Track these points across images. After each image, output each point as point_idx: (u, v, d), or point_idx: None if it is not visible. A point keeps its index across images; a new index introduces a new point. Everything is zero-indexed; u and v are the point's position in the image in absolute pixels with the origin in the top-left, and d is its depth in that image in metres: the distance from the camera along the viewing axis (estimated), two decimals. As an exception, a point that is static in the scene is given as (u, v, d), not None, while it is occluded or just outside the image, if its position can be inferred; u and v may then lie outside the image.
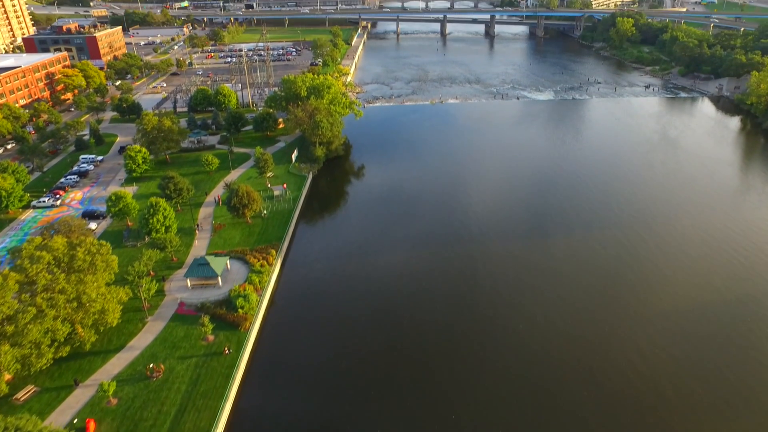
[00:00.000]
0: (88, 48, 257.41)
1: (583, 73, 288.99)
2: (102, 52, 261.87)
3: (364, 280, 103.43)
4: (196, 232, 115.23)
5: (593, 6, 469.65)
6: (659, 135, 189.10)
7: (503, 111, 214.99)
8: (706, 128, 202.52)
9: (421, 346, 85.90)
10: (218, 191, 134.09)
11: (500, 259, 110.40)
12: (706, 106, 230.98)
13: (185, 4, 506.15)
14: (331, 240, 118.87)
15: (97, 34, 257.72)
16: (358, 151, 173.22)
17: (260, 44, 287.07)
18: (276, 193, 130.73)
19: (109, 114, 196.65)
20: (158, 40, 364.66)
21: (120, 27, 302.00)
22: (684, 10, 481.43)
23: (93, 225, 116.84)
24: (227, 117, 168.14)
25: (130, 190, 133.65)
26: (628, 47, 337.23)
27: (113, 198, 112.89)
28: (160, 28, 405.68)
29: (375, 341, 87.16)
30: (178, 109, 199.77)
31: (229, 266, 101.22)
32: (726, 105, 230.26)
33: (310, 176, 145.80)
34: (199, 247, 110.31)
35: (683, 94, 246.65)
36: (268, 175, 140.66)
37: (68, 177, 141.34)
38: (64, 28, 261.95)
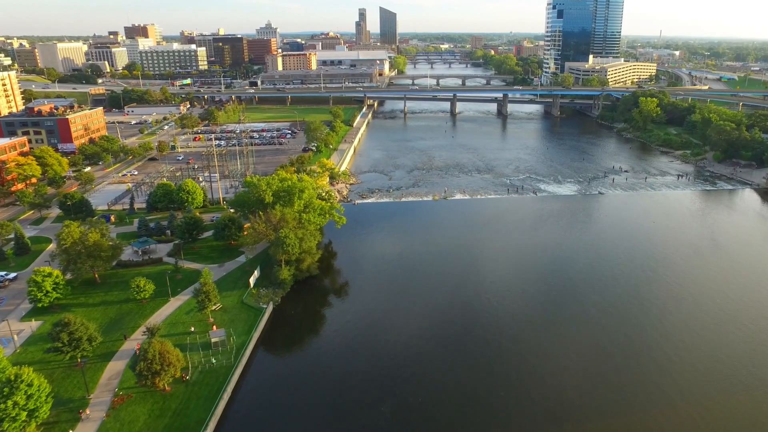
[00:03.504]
0: (59, 131, 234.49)
1: (605, 158, 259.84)
2: (75, 135, 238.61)
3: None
4: (83, 414, 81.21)
5: (610, 84, 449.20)
6: (709, 242, 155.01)
7: (518, 209, 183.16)
8: (765, 232, 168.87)
9: None
10: (156, 325, 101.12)
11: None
12: (754, 201, 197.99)
13: (188, 81, 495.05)
14: (284, 419, 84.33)
15: (70, 116, 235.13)
16: (343, 261, 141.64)
17: (239, 127, 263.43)
18: (214, 340, 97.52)
19: (55, 211, 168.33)
20: (150, 120, 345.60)
21: (100, 108, 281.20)
22: (706, 87, 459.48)
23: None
24: (180, 223, 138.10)
25: (24, 330, 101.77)
26: (653, 129, 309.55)
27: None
28: (156, 107, 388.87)
29: None
30: (138, 206, 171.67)
31: (104, 487, 67.06)
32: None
33: (270, 308, 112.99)
34: (80, 439, 76.56)
35: (724, 185, 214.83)
36: (213, 308, 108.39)
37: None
38: (35, 109, 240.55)
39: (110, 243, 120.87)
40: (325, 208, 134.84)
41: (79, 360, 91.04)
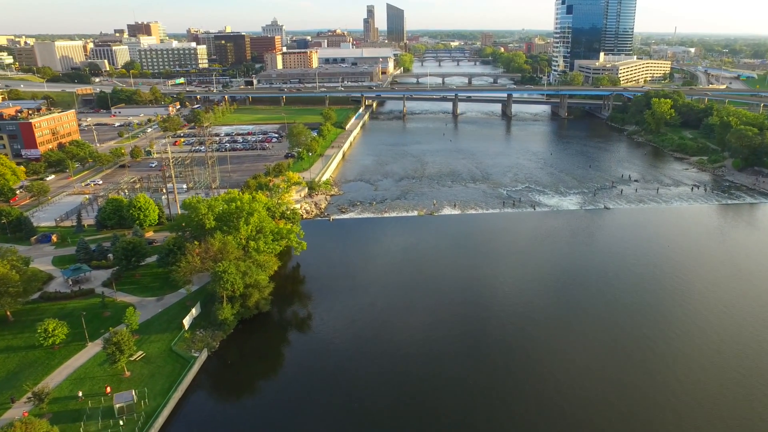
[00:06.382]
0: (21, 136, 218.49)
1: (614, 165, 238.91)
2: (41, 140, 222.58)
3: None
4: None
5: (621, 83, 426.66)
6: (730, 269, 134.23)
7: (512, 227, 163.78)
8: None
9: None
10: (47, 389, 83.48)
11: None
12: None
13: (181, 80, 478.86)
14: None
15: (34, 120, 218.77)
16: (309, 289, 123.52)
17: (207, 131, 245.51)
18: (118, 404, 79.46)
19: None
20: (135, 121, 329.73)
21: (73, 110, 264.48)
22: (723, 87, 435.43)
23: None
24: (117, 248, 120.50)
25: None
26: (667, 132, 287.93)
27: None
28: (145, 107, 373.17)
29: None
30: (89, 223, 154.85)
31: None
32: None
33: (204, 356, 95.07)
34: None
35: (745, 197, 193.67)
36: (133, 358, 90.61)
37: None
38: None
39: (23, 275, 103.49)
40: (282, 232, 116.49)
41: (-57, 435, 73.75)
